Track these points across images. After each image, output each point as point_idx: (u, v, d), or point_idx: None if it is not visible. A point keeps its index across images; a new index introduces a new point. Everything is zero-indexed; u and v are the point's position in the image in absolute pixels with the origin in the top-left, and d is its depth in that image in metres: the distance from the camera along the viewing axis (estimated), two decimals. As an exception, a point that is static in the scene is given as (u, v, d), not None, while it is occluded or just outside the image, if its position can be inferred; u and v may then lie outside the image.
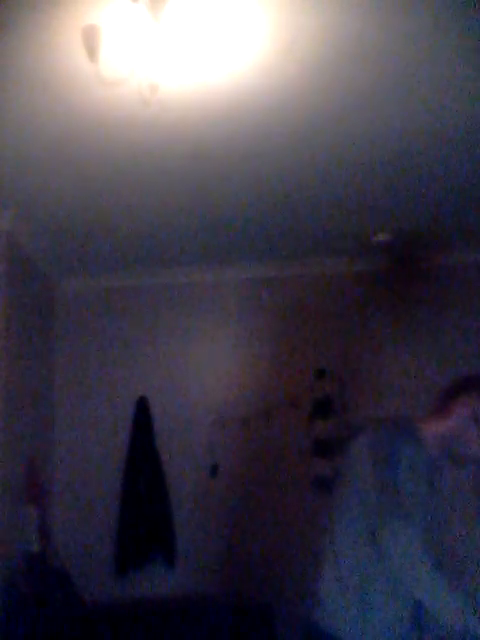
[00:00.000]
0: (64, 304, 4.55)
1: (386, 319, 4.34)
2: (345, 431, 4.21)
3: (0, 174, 3.15)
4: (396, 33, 2.29)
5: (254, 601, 3.87)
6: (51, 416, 4.35)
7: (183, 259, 4.34)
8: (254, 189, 3.40)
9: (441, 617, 1.93)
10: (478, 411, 2.04)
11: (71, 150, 2.97)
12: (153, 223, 3.78)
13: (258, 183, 3.34)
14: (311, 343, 4.36)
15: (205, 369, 4.36)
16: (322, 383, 4.28)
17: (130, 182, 3.28)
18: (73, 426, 4.38)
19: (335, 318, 4.37)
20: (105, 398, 4.41)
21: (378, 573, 1.98)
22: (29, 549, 3.67)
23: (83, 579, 3.98)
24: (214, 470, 4.19)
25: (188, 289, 4.49)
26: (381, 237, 4.04)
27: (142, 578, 4.10)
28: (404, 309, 4.34)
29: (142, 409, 4.28)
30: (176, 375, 4.38)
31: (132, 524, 4.09)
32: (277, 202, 3.55)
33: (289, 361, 4.33)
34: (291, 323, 4.39)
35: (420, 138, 2.96)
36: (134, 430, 4.24)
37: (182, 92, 2.54)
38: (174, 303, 4.49)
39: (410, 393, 4.24)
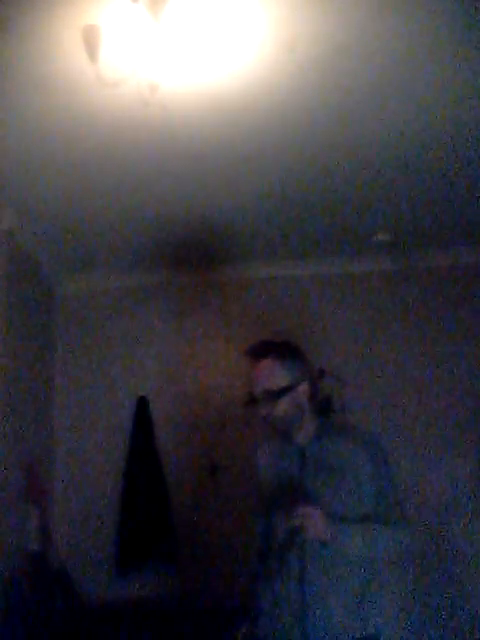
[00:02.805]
0: (64, 304, 4.55)
1: (386, 319, 4.34)
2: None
3: (0, 174, 3.15)
4: (397, 33, 2.29)
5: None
6: (51, 416, 4.34)
7: (183, 259, 4.34)
8: (254, 189, 3.40)
9: None
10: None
11: (71, 150, 2.97)
12: (153, 223, 3.78)
13: (258, 183, 3.34)
14: (311, 343, 4.35)
15: (205, 369, 4.36)
16: (322, 383, 4.28)
17: (130, 182, 3.28)
18: (73, 426, 4.38)
19: (335, 318, 4.37)
20: (105, 398, 4.41)
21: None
22: (29, 549, 3.67)
23: (83, 579, 3.98)
24: (214, 470, 4.18)
25: (188, 289, 4.49)
26: (381, 237, 4.04)
27: (142, 578, 4.10)
28: (404, 309, 4.34)
29: (142, 409, 4.27)
30: (176, 375, 4.38)
31: (132, 524, 4.09)
32: (277, 202, 3.55)
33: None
34: (291, 323, 4.39)
35: (420, 138, 2.96)
36: (134, 430, 4.24)
37: (182, 92, 2.54)
38: (174, 303, 4.49)
39: (410, 393, 4.24)
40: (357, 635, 2.04)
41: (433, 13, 2.20)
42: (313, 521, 1.94)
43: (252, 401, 2.15)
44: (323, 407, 4.24)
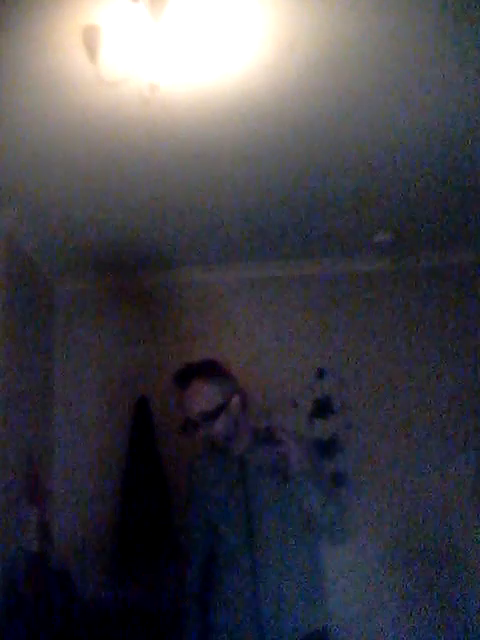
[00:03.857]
0: (64, 304, 4.55)
1: (386, 319, 4.34)
2: (345, 431, 4.22)
3: (0, 174, 3.15)
4: (398, 33, 2.29)
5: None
6: (51, 416, 4.34)
7: (183, 259, 4.34)
8: (254, 189, 3.40)
9: None
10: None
11: (71, 150, 2.97)
12: (153, 223, 3.78)
13: (258, 183, 3.34)
14: (311, 343, 4.36)
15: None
16: (322, 383, 4.28)
17: (130, 182, 3.28)
18: (73, 426, 4.38)
19: (335, 318, 4.37)
20: (105, 398, 4.41)
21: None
22: (29, 549, 3.67)
23: (83, 579, 3.98)
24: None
25: (188, 289, 4.49)
26: (381, 237, 4.04)
27: (142, 578, 4.10)
28: (404, 309, 4.34)
29: (142, 409, 4.27)
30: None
31: (132, 524, 4.09)
32: (277, 202, 3.55)
33: (289, 361, 4.33)
34: (291, 323, 4.39)
35: (420, 138, 2.96)
36: (134, 430, 4.24)
37: (182, 92, 2.54)
38: (174, 303, 4.49)
39: (410, 393, 4.24)
40: (310, 629, 2.10)
41: (434, 13, 2.20)
42: (295, 446, 1.99)
43: (190, 425, 2.17)
44: (323, 407, 4.26)
